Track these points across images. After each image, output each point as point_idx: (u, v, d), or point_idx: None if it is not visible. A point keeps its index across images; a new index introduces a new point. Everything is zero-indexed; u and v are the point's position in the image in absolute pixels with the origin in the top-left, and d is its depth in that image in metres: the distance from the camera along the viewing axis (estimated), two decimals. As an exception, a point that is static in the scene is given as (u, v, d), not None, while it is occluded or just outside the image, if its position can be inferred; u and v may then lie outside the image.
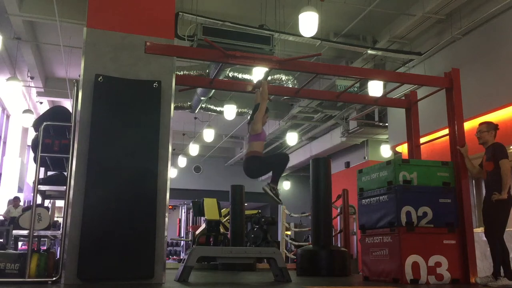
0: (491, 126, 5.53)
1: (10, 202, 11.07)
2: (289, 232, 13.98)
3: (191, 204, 13.76)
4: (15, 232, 4.88)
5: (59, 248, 5.02)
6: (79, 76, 4.99)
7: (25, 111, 12.39)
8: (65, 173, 4.92)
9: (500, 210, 5.18)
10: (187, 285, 4.72)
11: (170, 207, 12.36)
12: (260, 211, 13.60)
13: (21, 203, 13.46)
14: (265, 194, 5.52)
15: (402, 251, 5.27)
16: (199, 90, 10.45)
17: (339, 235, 10.26)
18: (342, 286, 5.01)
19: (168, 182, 4.89)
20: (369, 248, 5.85)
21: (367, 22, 9.03)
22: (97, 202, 4.54)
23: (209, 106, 12.46)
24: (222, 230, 11.31)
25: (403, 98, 7.17)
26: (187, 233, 19.57)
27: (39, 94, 13.17)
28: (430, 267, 5.30)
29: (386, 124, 11.77)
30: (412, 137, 6.69)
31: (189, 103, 11.96)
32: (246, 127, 6.37)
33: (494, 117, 7.99)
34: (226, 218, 11.49)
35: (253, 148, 5.54)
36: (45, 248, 6.52)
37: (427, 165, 5.67)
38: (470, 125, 7.25)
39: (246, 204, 10.16)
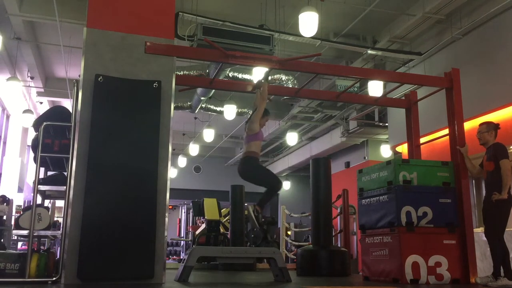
0: (491, 126, 5.53)
1: None
2: (289, 232, 13.93)
3: (191, 204, 13.75)
4: (15, 232, 4.87)
5: (59, 248, 5.02)
6: (79, 76, 4.99)
7: (25, 111, 12.39)
8: (65, 173, 4.93)
9: (500, 210, 5.18)
10: (187, 285, 4.72)
11: (170, 207, 12.35)
12: (260, 211, 13.55)
13: (20, 203, 13.47)
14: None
15: (402, 251, 5.27)
16: (199, 90, 10.44)
17: (339, 235, 10.26)
18: (342, 286, 5.01)
19: (168, 182, 4.89)
20: (369, 248, 5.84)
21: (367, 22, 9.03)
22: (97, 202, 4.54)
23: (209, 106, 12.46)
24: (222, 230, 11.31)
25: (403, 98, 7.17)
26: (187, 233, 19.57)
27: (39, 94, 13.16)
28: (430, 267, 5.30)
29: (386, 124, 11.77)
30: (412, 137, 6.69)
31: (189, 103, 11.96)
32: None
33: (494, 117, 7.98)
34: (226, 218, 11.49)
35: (251, 149, 5.61)
36: (45, 248, 6.52)
37: (427, 165, 5.67)
38: (470, 125, 7.25)
39: (246, 204, 10.16)
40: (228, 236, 10.31)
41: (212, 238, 10.50)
